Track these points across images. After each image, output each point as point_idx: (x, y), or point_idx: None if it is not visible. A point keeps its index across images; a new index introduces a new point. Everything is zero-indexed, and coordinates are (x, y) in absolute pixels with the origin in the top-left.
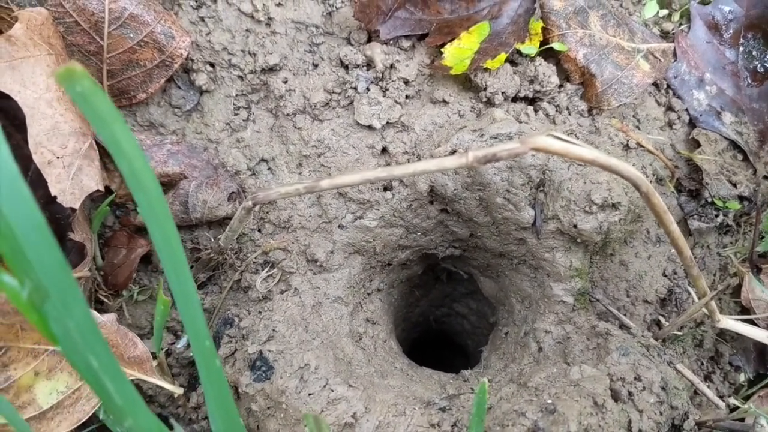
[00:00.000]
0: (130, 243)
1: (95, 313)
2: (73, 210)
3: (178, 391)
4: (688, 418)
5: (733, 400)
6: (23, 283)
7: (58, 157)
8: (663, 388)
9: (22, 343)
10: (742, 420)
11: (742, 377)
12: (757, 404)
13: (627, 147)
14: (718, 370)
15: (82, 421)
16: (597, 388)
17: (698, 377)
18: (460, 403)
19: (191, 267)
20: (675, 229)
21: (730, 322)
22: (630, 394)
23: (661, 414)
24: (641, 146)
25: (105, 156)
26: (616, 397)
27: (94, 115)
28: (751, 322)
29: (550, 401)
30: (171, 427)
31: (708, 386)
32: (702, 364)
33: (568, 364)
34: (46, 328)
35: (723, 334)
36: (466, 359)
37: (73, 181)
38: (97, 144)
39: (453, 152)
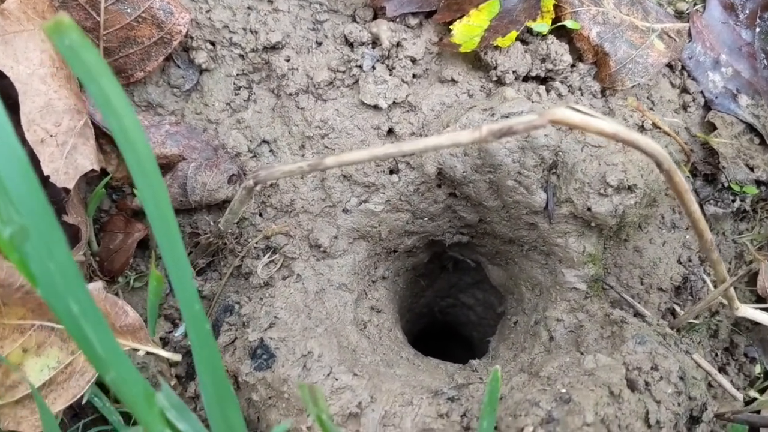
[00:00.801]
0: (127, 227)
1: None
2: (67, 191)
3: (176, 357)
4: (707, 409)
5: (752, 392)
6: (5, 221)
7: (51, 135)
8: (681, 378)
9: (6, 320)
10: (758, 412)
11: (757, 369)
12: None
13: (642, 128)
14: (733, 362)
15: (78, 396)
16: (613, 378)
17: (714, 368)
18: (469, 392)
19: (190, 252)
20: (696, 209)
21: (749, 311)
22: (647, 383)
23: (679, 405)
24: (657, 127)
25: (101, 136)
26: (632, 386)
27: (82, 68)
28: None
29: (564, 391)
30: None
31: (724, 377)
32: (717, 355)
33: (582, 353)
34: (25, 269)
35: (738, 325)
36: (472, 351)
37: (67, 160)
38: (93, 123)
39: None
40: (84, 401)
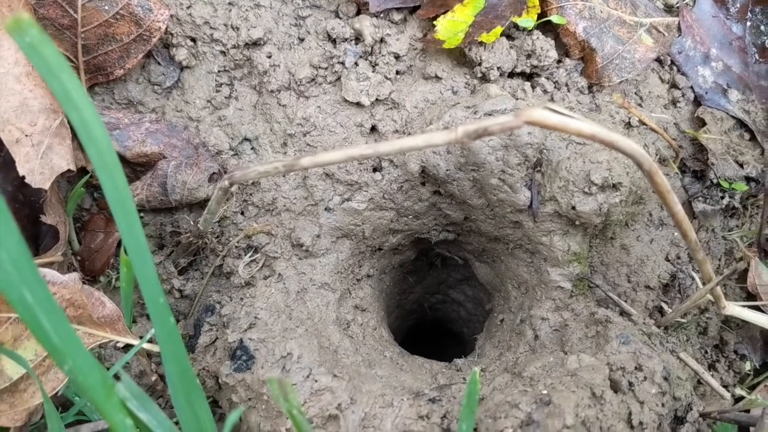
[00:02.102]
0: (108, 227)
1: (55, 272)
2: (45, 191)
3: (155, 348)
4: (691, 409)
5: (738, 390)
6: None
7: (26, 135)
8: (665, 378)
9: None
10: (747, 411)
11: (747, 366)
12: (763, 394)
13: (629, 125)
14: (722, 359)
15: (56, 390)
16: (595, 378)
17: (702, 366)
18: (451, 393)
19: (171, 252)
20: (679, 210)
21: (737, 309)
22: (630, 384)
23: (663, 405)
24: (644, 124)
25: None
26: (615, 387)
27: (42, 64)
28: (758, 308)
29: (545, 392)
30: (118, 378)
31: (712, 375)
32: (706, 352)
33: (566, 353)
34: None
35: (728, 322)
36: (463, 347)
37: (43, 160)
38: (69, 122)
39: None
40: (59, 393)
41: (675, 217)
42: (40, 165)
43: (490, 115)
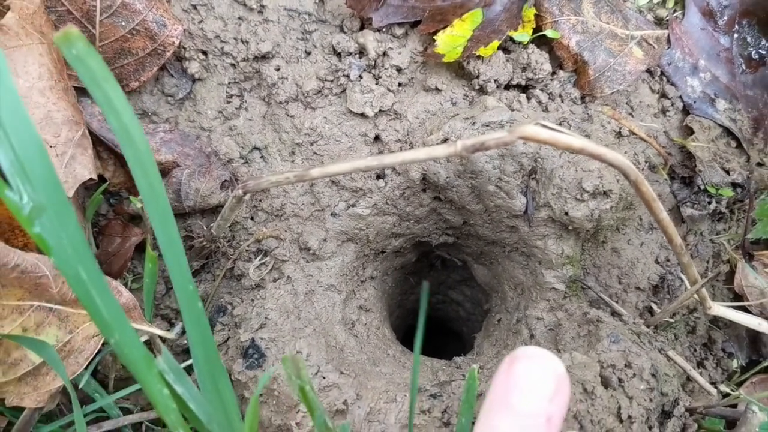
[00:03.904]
0: (124, 231)
1: None
2: (69, 198)
3: (170, 335)
4: (678, 404)
5: (723, 387)
6: (23, 200)
7: (51, 146)
8: (653, 375)
9: (5, 300)
10: (734, 406)
11: (734, 363)
12: (749, 390)
13: (619, 135)
14: (711, 357)
15: (76, 374)
16: (587, 375)
17: (691, 364)
18: (451, 389)
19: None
20: (664, 216)
21: (721, 309)
22: (620, 380)
23: (651, 400)
24: (634, 134)
25: (98, 144)
26: (606, 383)
27: (87, 74)
28: (744, 309)
29: None
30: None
31: (701, 372)
32: (695, 350)
33: (559, 351)
34: (42, 240)
35: (716, 321)
36: (463, 345)
37: (66, 169)
38: (90, 132)
39: (445, 140)
40: (81, 385)
41: (660, 223)
42: (64, 174)
43: (487, 126)
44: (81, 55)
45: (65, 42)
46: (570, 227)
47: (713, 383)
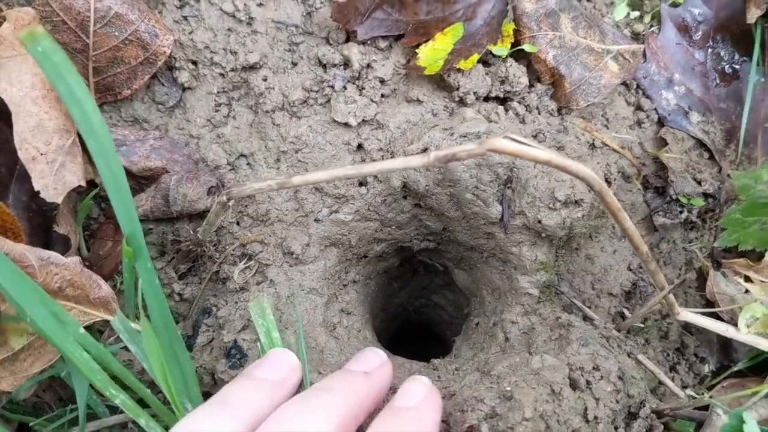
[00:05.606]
0: (116, 235)
1: (58, 254)
2: (58, 204)
3: (146, 326)
4: (644, 406)
5: (689, 391)
6: None
7: (41, 154)
8: (620, 378)
9: None
10: (706, 409)
11: (706, 368)
12: (720, 394)
13: (593, 146)
14: (683, 361)
15: (52, 362)
16: (556, 377)
17: (663, 368)
18: None
19: (172, 258)
20: (630, 225)
21: (690, 315)
22: (588, 383)
23: (617, 402)
24: (606, 145)
25: (88, 151)
26: (574, 385)
27: (52, 69)
28: (716, 315)
29: (509, 389)
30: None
31: (673, 377)
32: (668, 355)
33: (531, 354)
34: None
35: (688, 327)
36: (446, 349)
37: (56, 176)
38: (80, 140)
39: (425, 150)
40: (63, 374)
41: (626, 232)
42: (54, 181)
43: (464, 136)
44: (46, 51)
45: (30, 40)
46: (543, 234)
47: (685, 387)
